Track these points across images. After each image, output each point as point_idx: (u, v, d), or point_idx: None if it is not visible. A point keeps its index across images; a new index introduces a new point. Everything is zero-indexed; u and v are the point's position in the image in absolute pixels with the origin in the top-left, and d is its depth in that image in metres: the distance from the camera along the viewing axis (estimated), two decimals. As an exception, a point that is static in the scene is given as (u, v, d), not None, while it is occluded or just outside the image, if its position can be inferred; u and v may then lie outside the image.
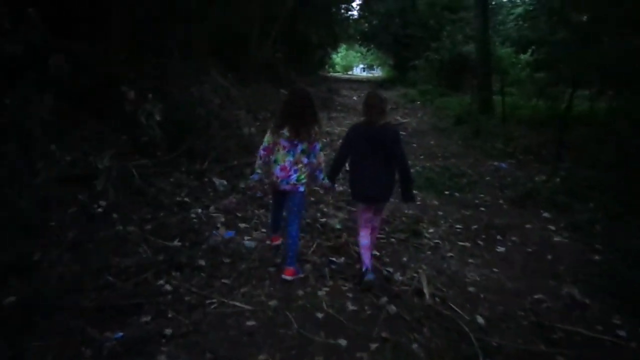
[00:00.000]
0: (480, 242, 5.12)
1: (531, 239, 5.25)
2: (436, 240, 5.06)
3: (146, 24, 8.71)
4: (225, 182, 6.14)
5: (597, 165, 7.01)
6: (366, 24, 33.84)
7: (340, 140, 10.37)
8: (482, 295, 3.97)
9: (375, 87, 24.13)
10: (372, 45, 36.00)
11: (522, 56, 20.65)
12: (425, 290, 3.87)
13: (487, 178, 7.78)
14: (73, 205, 4.38)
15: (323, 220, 5.31)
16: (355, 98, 20.23)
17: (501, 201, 6.57)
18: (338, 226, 5.12)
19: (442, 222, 5.66)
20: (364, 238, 4.01)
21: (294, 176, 3.90)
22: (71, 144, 5.10)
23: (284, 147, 3.89)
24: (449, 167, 8.39)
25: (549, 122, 11.21)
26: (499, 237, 5.27)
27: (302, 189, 3.98)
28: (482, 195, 6.82)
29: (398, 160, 3.90)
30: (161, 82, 7.90)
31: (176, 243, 4.36)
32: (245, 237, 4.76)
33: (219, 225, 4.95)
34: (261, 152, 4.00)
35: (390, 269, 4.33)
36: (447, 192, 6.91)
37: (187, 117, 7.32)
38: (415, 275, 4.22)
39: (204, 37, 12.01)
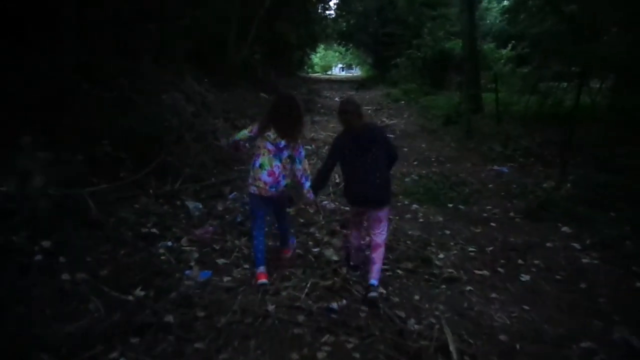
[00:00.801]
0: (501, 270, 4.34)
1: (557, 262, 4.49)
2: (450, 270, 4.26)
3: (112, 25, 7.78)
4: (200, 206, 5.26)
5: (614, 169, 6.30)
6: (344, 23, 33.13)
7: (327, 147, 9.66)
8: (517, 346, 3.18)
9: (357, 88, 23.47)
10: (350, 45, 35.34)
11: (502, 51, 20.24)
12: (451, 347, 3.06)
13: (490, 185, 7.04)
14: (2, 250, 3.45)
15: (316, 250, 4.47)
16: (337, 99, 19.42)
17: (512, 214, 5.82)
18: (334, 257, 4.29)
19: (451, 243, 4.88)
20: (355, 238, 4.03)
21: (283, 182, 3.71)
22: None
23: (270, 151, 3.65)
24: (447, 174, 7.64)
25: (545, 119, 10.59)
26: (520, 261, 4.50)
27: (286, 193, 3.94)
28: (489, 207, 6.07)
29: (392, 155, 3.82)
30: (128, 90, 7.01)
31: (138, 293, 3.48)
32: (225, 278, 3.90)
33: (192, 263, 4.08)
34: (230, 143, 4.09)
35: (402, 313, 3.52)
36: (450, 205, 6.14)
37: (157, 128, 6.43)
38: (433, 321, 3.42)
39: (178, 39, 11.10)
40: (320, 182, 3.85)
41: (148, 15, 9.31)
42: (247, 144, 3.77)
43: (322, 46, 41.30)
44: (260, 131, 3.65)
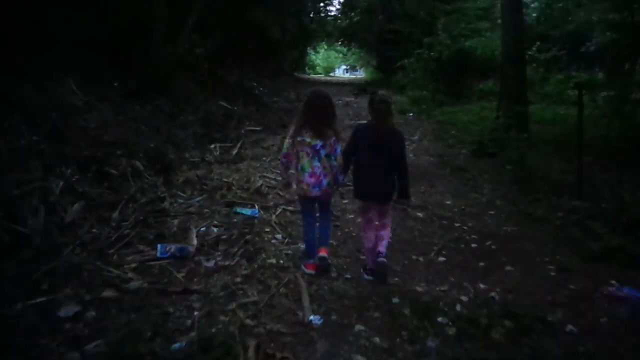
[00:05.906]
0: None
1: None
2: None
3: None
4: None
5: None
6: (346, 21, 28.55)
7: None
8: None
9: (357, 93, 18.95)
10: (353, 44, 30.79)
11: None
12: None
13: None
14: None
15: None
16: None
17: None
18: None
19: None
20: (368, 241, 3.73)
21: (325, 181, 3.57)
22: None
23: (307, 154, 3.53)
24: (521, 314, 3.19)
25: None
26: None
27: (330, 191, 3.73)
28: None
29: (400, 164, 3.62)
30: None
31: None
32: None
33: None
34: (282, 159, 3.75)
35: None
36: None
37: None
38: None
39: (67, 22, 6.81)
40: (346, 165, 3.68)
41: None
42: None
43: (324, 45, 36.91)
44: (296, 134, 3.52)
